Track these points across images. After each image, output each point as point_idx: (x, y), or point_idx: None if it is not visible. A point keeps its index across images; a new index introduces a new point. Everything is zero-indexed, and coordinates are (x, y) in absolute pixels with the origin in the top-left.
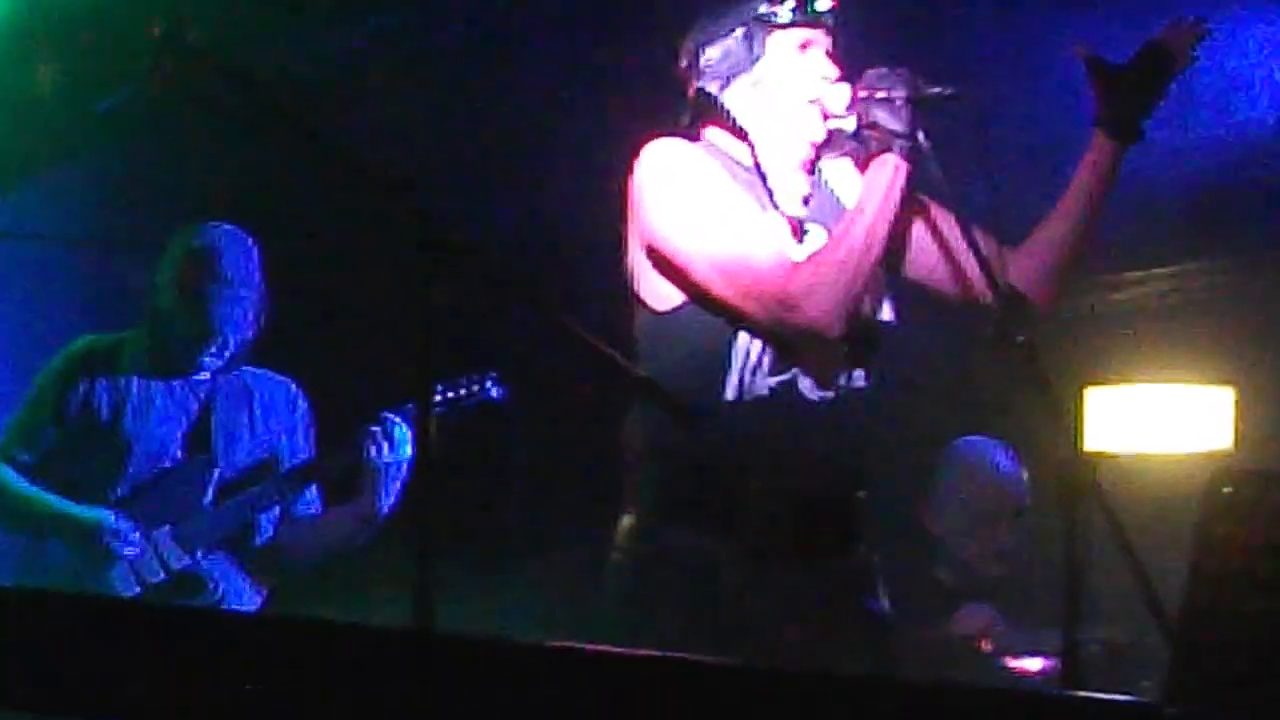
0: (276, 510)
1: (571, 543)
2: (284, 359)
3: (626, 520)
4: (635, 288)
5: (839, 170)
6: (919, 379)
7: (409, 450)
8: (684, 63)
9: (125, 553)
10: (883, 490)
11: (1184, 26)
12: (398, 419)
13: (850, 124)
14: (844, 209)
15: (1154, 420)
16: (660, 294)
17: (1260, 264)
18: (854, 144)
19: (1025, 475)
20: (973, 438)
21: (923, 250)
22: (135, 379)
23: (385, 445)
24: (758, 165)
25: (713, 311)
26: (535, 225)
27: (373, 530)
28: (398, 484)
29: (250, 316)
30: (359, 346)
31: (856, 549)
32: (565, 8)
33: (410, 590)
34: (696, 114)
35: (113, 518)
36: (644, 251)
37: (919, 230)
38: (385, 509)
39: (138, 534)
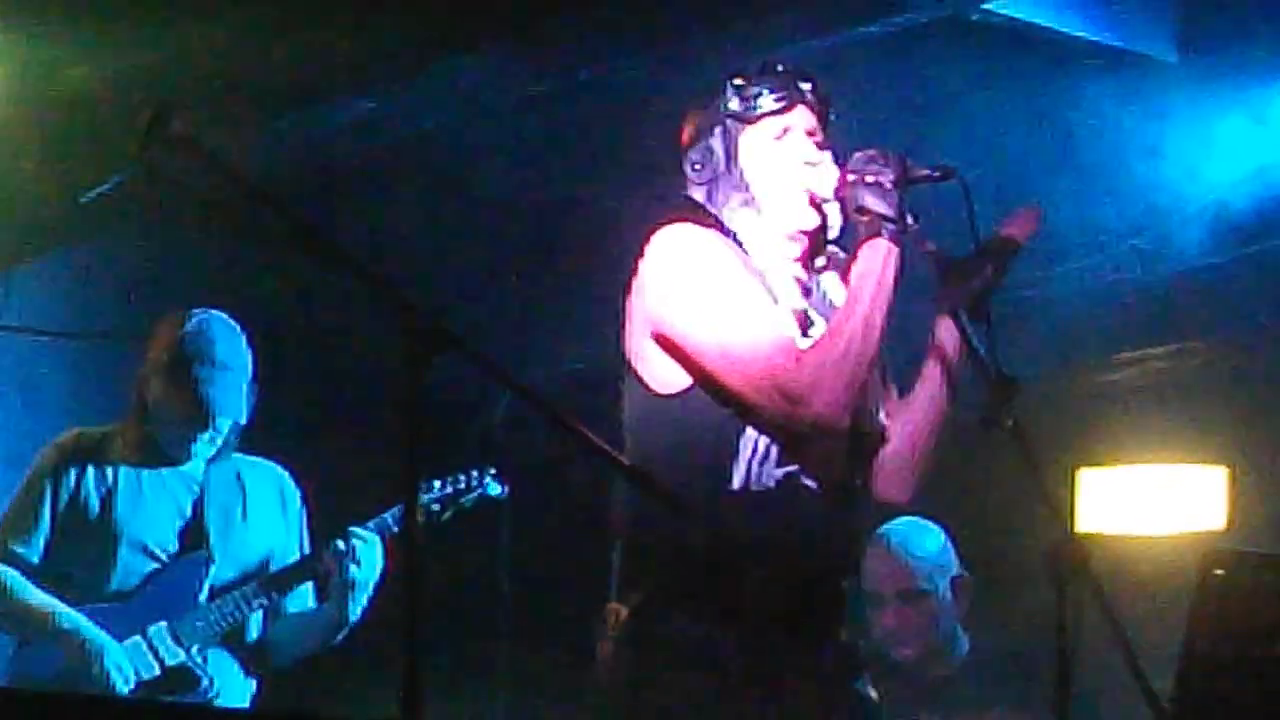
0: (267, 605)
1: (562, 633)
2: (277, 447)
3: (621, 608)
4: (636, 367)
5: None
6: None
7: (377, 568)
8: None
9: (116, 663)
10: None
11: (1024, 217)
12: (366, 534)
13: (835, 217)
14: (835, 300)
15: (1147, 501)
16: (664, 377)
17: (1252, 343)
18: (836, 252)
19: (951, 558)
20: (903, 518)
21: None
22: (125, 471)
23: (350, 564)
24: (754, 266)
25: (720, 401)
26: (523, 310)
27: (343, 632)
28: (366, 597)
29: (241, 400)
30: (354, 434)
31: (843, 634)
32: (553, 93)
33: (399, 684)
34: (687, 216)
35: (110, 647)
36: (651, 336)
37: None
38: (354, 618)
39: (135, 638)
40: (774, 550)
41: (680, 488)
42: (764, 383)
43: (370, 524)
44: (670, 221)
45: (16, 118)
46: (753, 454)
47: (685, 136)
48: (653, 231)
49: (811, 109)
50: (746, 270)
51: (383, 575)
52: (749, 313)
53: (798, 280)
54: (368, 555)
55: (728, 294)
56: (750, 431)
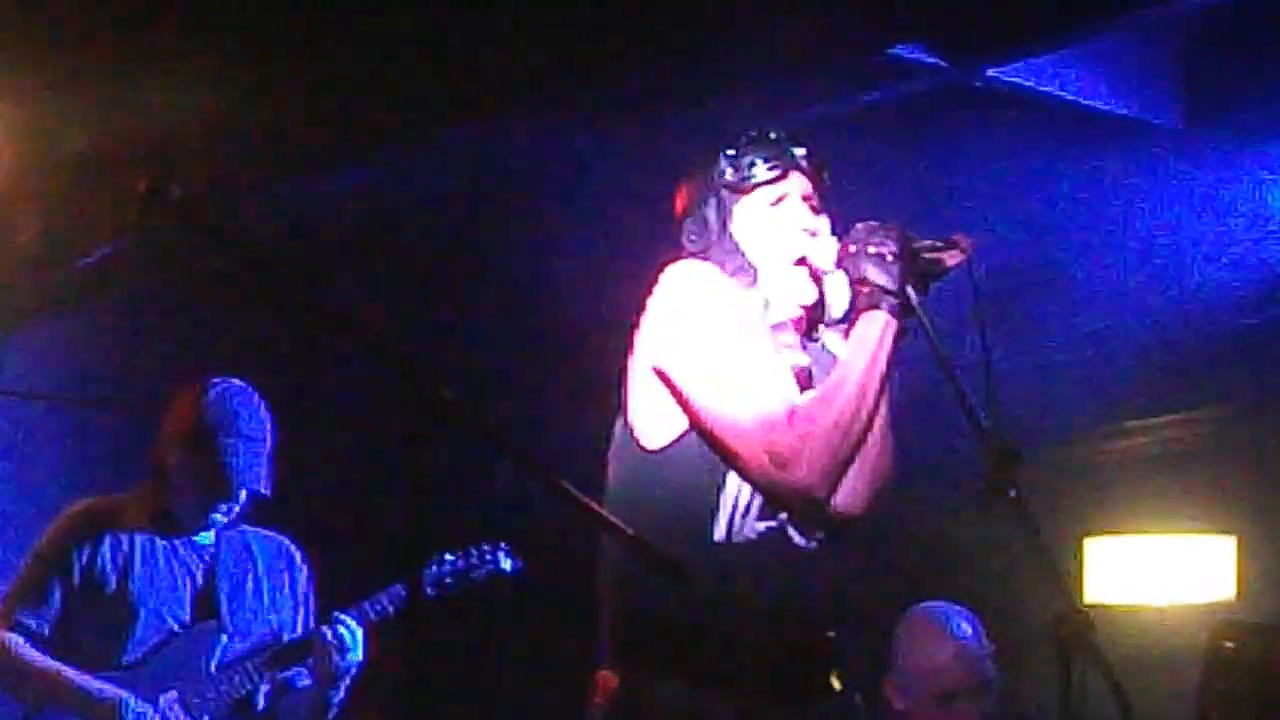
0: (273, 679)
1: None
2: (286, 519)
3: (610, 676)
4: (631, 421)
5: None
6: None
7: (358, 655)
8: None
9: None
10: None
11: (961, 245)
12: (349, 620)
13: (841, 293)
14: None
15: (1155, 571)
16: (651, 429)
17: (1259, 411)
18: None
19: (988, 645)
20: (932, 604)
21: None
22: (139, 541)
23: (334, 651)
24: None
25: (710, 447)
26: (522, 376)
27: (331, 714)
28: (345, 682)
29: (263, 471)
30: (362, 505)
31: (835, 690)
32: (554, 159)
33: None
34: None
35: (130, 700)
36: (651, 371)
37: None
38: (335, 703)
39: (152, 712)
40: (760, 603)
41: (663, 542)
42: (754, 438)
43: (351, 611)
44: (681, 258)
45: (16, 183)
46: (734, 509)
47: (680, 207)
48: (664, 266)
49: (806, 174)
50: (751, 319)
51: (376, 655)
52: (750, 362)
53: (793, 353)
54: (353, 642)
55: (730, 337)
56: (730, 487)
